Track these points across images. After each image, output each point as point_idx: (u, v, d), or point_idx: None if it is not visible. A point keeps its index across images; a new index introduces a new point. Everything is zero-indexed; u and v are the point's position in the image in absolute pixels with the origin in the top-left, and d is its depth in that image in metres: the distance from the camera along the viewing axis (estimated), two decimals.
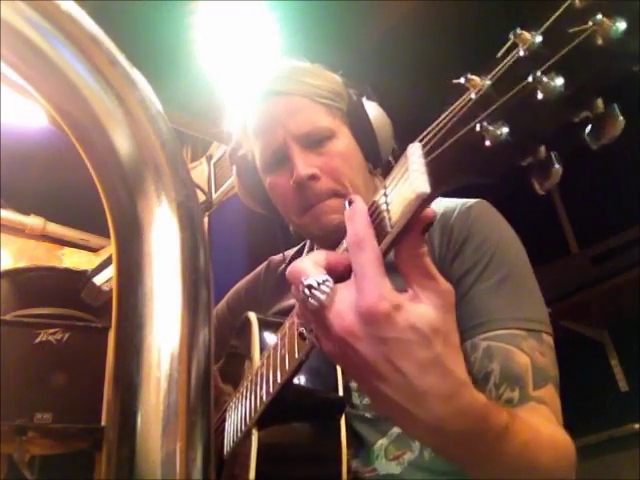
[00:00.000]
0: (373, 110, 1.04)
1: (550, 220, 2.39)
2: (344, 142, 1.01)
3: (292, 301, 1.10)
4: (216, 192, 3.03)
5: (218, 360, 1.11)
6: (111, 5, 1.76)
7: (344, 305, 0.49)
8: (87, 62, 0.38)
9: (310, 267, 0.51)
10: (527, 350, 0.81)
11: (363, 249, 0.49)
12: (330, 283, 0.50)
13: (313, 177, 0.97)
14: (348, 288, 0.49)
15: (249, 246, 2.68)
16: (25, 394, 1.25)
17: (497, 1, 1.96)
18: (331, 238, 0.99)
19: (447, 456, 0.58)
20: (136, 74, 0.40)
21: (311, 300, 0.49)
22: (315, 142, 0.99)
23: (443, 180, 0.45)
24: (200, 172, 3.09)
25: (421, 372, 0.48)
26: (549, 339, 0.85)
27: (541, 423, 0.71)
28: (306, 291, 0.50)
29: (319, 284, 0.49)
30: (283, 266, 1.22)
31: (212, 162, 3.13)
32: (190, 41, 2.15)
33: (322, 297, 0.49)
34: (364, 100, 1.05)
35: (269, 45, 2.14)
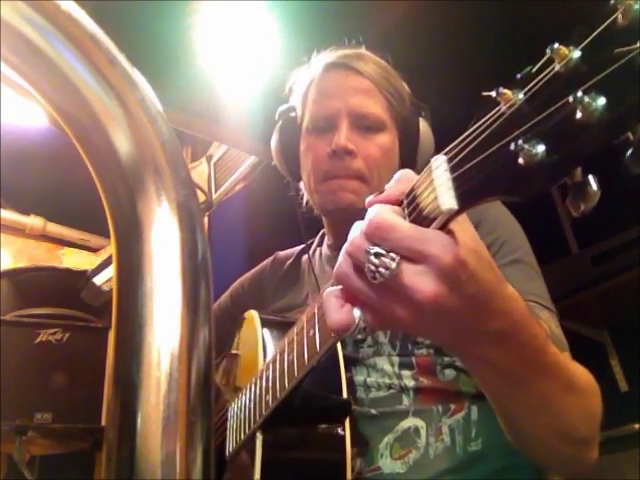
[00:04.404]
0: (424, 130, 1.07)
1: (550, 220, 2.39)
2: (389, 139, 1.04)
3: (299, 299, 1.10)
4: (216, 192, 3.03)
5: (220, 353, 1.11)
6: (111, 5, 1.76)
7: (419, 273, 0.46)
8: (87, 62, 0.38)
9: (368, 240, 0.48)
10: (544, 319, 0.84)
11: (390, 227, 0.46)
12: (395, 253, 0.46)
13: (350, 152, 1.00)
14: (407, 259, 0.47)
15: (249, 246, 2.68)
16: (25, 394, 1.25)
17: (497, 1, 1.96)
18: (340, 216, 1.03)
19: (502, 375, 0.58)
20: (136, 74, 0.40)
21: (380, 269, 0.46)
22: (365, 127, 1.03)
23: (472, 197, 0.43)
24: (200, 172, 3.09)
25: (489, 287, 0.50)
26: (557, 319, 0.88)
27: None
28: (375, 260, 0.46)
29: (387, 252, 0.46)
30: (289, 261, 1.23)
31: (212, 162, 3.13)
32: (190, 41, 2.15)
33: (393, 265, 0.45)
34: (420, 118, 1.08)
35: (269, 45, 2.14)
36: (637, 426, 1.86)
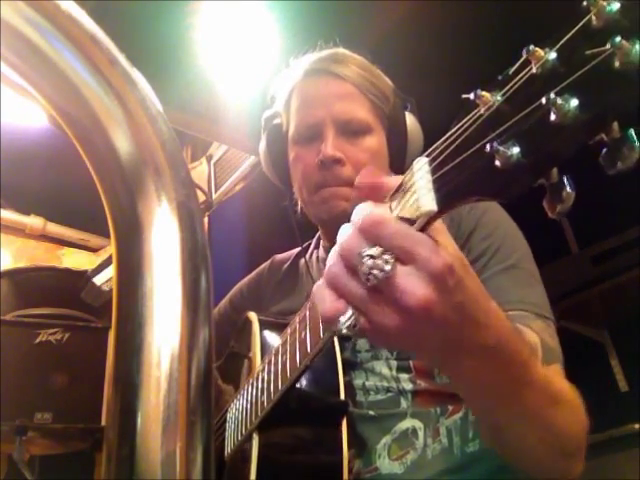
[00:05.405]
0: (411, 123, 1.06)
1: (550, 220, 2.39)
2: (377, 141, 1.03)
3: (298, 303, 1.10)
4: (216, 192, 3.03)
5: (219, 358, 1.11)
6: (111, 5, 1.76)
7: (411, 276, 0.45)
8: (87, 62, 0.38)
9: (361, 240, 0.47)
10: (536, 329, 0.82)
11: (385, 223, 0.46)
12: (391, 253, 0.45)
13: (338, 161, 0.99)
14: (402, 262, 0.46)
15: (249, 246, 2.68)
16: (25, 394, 1.25)
17: (496, 2, 1.96)
18: (334, 224, 1.01)
19: (486, 390, 0.58)
20: (136, 74, 0.40)
21: (374, 272, 0.45)
22: (351, 132, 1.02)
23: (451, 198, 0.43)
24: (200, 172, 3.09)
25: (474, 298, 0.49)
26: (554, 327, 0.87)
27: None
28: (369, 262, 0.45)
29: (380, 253, 0.45)
30: (287, 264, 1.22)
31: (212, 162, 3.13)
32: (190, 41, 2.15)
33: (387, 267, 0.45)
34: (406, 112, 1.07)
35: (269, 45, 2.14)
36: (637, 426, 1.86)
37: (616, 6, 0.35)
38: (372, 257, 0.45)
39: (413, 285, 0.45)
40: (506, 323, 0.55)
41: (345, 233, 0.49)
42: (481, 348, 0.52)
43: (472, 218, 0.95)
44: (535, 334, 0.81)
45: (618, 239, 2.04)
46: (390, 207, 0.48)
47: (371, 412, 0.92)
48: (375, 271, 0.45)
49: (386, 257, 0.45)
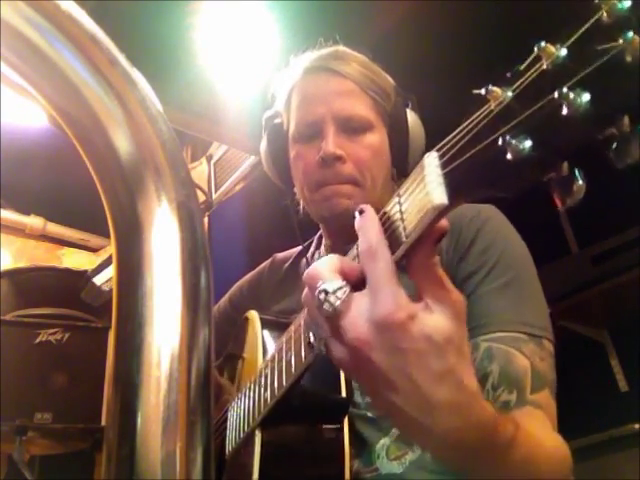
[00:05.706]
0: (412, 121, 1.06)
1: (550, 220, 2.39)
2: (379, 138, 1.03)
3: (295, 303, 1.10)
4: (216, 192, 3.03)
5: (219, 357, 1.11)
6: (111, 5, 1.76)
7: (359, 314, 0.48)
8: (87, 62, 0.38)
9: (327, 272, 0.51)
10: (527, 353, 0.82)
11: (376, 259, 0.49)
12: (347, 289, 0.49)
13: (339, 158, 0.99)
14: (363, 297, 0.49)
15: (249, 246, 2.68)
16: (25, 394, 1.25)
17: (496, 2, 1.96)
18: (336, 222, 1.02)
19: (455, 467, 0.58)
20: (136, 74, 0.40)
21: (325, 306, 0.49)
22: (352, 129, 1.01)
23: (461, 192, 0.44)
24: (200, 172, 3.10)
25: (434, 383, 0.48)
26: (549, 346, 0.85)
27: (541, 432, 0.71)
28: (321, 296, 0.49)
29: (335, 290, 0.49)
30: (288, 263, 1.22)
31: (212, 162, 3.13)
32: (190, 41, 2.15)
33: (337, 303, 0.49)
34: (408, 110, 1.06)
35: (269, 45, 2.14)
36: (637, 426, 1.86)
37: (627, 4, 0.36)
38: (326, 292, 0.49)
39: (355, 323, 0.48)
40: (483, 424, 0.52)
41: (320, 268, 0.52)
42: (436, 438, 0.51)
43: (472, 228, 0.94)
44: (526, 359, 0.81)
45: (618, 239, 2.03)
46: (399, 202, 0.50)
47: (369, 413, 0.92)
48: (326, 305, 0.49)
49: (339, 294, 0.49)
